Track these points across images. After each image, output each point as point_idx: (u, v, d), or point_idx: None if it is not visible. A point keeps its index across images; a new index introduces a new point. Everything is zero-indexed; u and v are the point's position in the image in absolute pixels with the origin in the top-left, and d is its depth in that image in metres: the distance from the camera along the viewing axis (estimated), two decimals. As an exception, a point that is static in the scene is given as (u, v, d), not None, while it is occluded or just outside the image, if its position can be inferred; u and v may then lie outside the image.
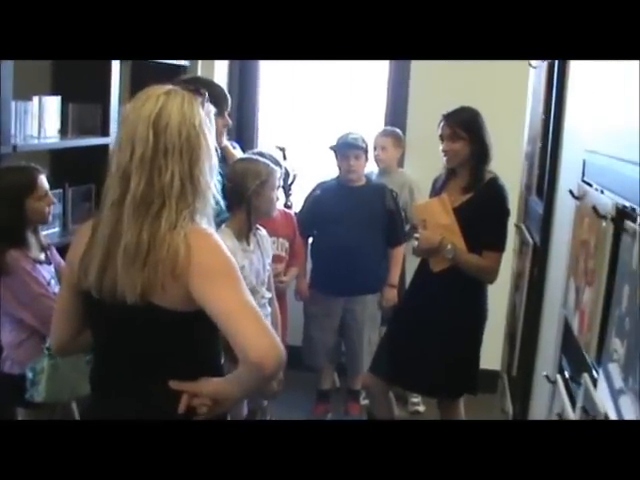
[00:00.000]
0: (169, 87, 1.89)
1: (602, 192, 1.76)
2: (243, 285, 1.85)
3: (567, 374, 1.99)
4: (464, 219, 3.32)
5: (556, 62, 2.62)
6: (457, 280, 3.34)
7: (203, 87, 2.01)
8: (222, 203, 1.99)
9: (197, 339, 1.92)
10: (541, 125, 2.86)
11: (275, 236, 3.80)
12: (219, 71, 4.93)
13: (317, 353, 4.27)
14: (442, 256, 3.34)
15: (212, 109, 1.98)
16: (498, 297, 3.69)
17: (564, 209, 2.46)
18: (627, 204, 1.53)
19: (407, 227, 4.35)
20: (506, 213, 3.35)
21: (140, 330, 1.90)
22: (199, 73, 4.73)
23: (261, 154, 3.71)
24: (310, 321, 4.30)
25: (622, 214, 1.53)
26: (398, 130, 4.65)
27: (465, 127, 3.30)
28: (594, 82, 2.17)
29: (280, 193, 3.60)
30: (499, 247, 3.34)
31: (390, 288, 4.21)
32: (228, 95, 3.13)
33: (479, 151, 3.31)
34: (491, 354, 3.82)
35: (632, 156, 1.55)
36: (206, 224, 1.91)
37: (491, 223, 3.30)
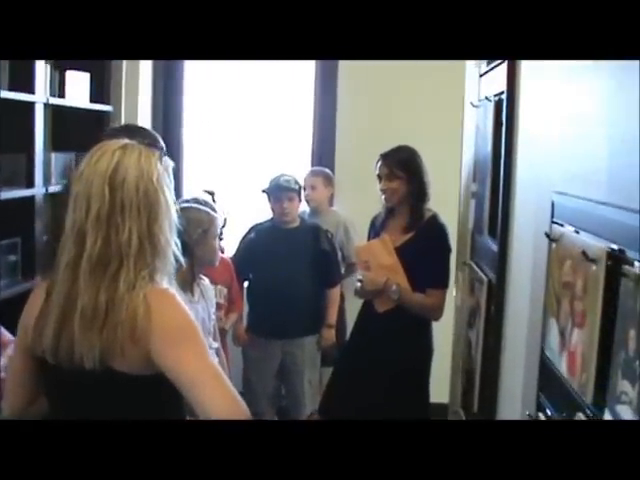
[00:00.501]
0: (125, 142, 1.82)
1: (578, 233, 1.81)
2: (204, 347, 1.79)
3: (549, 412, 2.01)
4: (407, 258, 3.36)
5: (504, 102, 2.68)
6: (402, 319, 3.36)
7: (136, 134, 1.96)
8: (182, 260, 1.92)
9: (159, 403, 1.84)
10: (491, 166, 2.91)
11: (213, 283, 3.73)
12: (142, 114, 4.84)
13: (257, 398, 4.19)
14: (387, 296, 3.36)
15: (170, 163, 1.93)
16: (442, 331, 3.72)
17: (522, 248, 2.51)
18: (615, 247, 1.57)
19: (344, 266, 4.36)
20: (448, 250, 3.42)
21: (99, 396, 1.81)
22: (122, 116, 4.64)
23: (196, 200, 3.64)
24: (249, 365, 4.24)
25: (614, 257, 1.56)
26: (327, 170, 4.67)
27: (402, 166, 3.36)
28: (548, 124, 2.23)
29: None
30: (443, 284, 3.39)
31: (328, 328, 4.20)
32: (162, 143, 3.07)
33: (417, 190, 3.37)
34: (437, 387, 3.84)
35: (609, 199, 1.60)
36: (167, 283, 1.83)
37: (434, 261, 3.36)
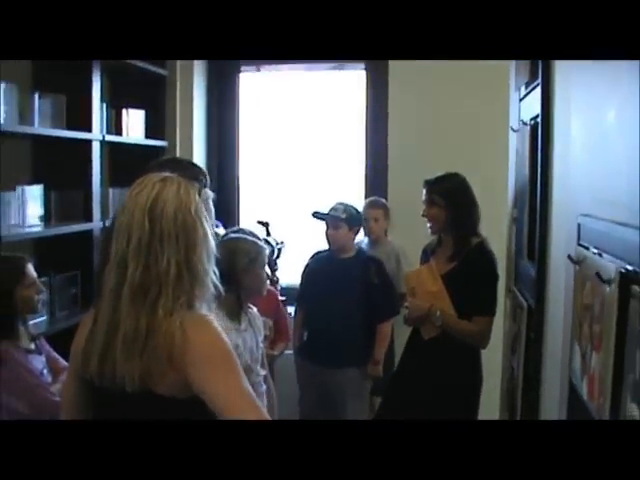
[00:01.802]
0: (165, 175, 1.89)
1: (601, 255, 1.78)
2: (240, 372, 1.83)
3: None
4: (452, 285, 3.33)
5: (539, 126, 2.66)
6: (449, 346, 3.33)
7: (179, 167, 2.01)
8: (221, 289, 1.96)
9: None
10: (528, 190, 2.89)
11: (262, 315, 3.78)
12: (198, 148, 4.96)
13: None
14: (432, 323, 3.34)
15: (210, 194, 1.98)
16: (492, 359, 3.68)
17: (557, 272, 2.48)
18: (630, 267, 1.54)
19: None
20: (494, 278, 3.36)
21: (139, 417, 1.84)
22: (177, 151, 4.77)
23: (243, 231, 3.71)
24: (301, 389, 4.25)
25: (627, 278, 1.54)
26: (384, 200, 4.68)
27: (441, 194, 3.35)
28: (578, 147, 2.21)
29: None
30: (489, 312, 3.34)
31: (374, 365, 4.12)
32: (207, 175, 3.15)
33: (458, 217, 3.35)
34: (490, 414, 3.79)
35: (630, 218, 1.57)
36: (206, 310, 1.88)
37: (479, 288, 3.31)
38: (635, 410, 1.41)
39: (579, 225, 2.03)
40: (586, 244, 1.94)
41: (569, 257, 1.98)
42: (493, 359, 3.81)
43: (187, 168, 2.87)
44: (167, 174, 1.90)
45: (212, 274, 1.89)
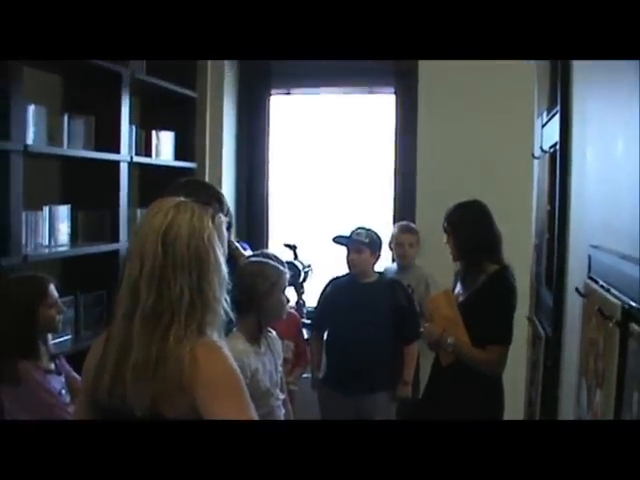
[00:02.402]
0: (179, 200, 1.89)
1: (608, 290, 1.74)
2: (247, 399, 1.82)
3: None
4: (467, 313, 3.30)
5: (558, 153, 2.62)
6: (467, 373, 3.29)
7: (198, 191, 2.01)
8: (232, 315, 1.96)
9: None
10: (547, 217, 2.85)
11: (281, 339, 3.76)
12: (227, 170, 4.99)
13: (335, 452, 4.15)
14: (444, 349, 3.33)
15: (224, 219, 1.99)
16: (515, 386, 3.61)
17: (573, 303, 2.43)
18: (633, 304, 1.50)
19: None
20: (510, 307, 3.29)
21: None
22: (207, 174, 4.80)
23: (265, 255, 3.72)
24: (326, 417, 4.21)
25: (628, 315, 1.50)
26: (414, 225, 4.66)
27: (449, 222, 3.38)
28: (597, 174, 2.17)
29: (291, 292, 3.58)
30: (503, 341, 3.28)
31: (404, 385, 4.10)
32: (224, 198, 3.16)
33: (464, 246, 3.33)
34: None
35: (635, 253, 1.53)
36: (216, 337, 1.89)
37: (494, 317, 3.25)
38: (630, 452, 1.37)
39: (589, 257, 1.98)
40: (595, 277, 1.90)
41: (577, 290, 1.94)
42: (519, 388, 3.74)
43: (204, 191, 2.90)
44: (182, 199, 1.90)
45: (223, 301, 1.90)
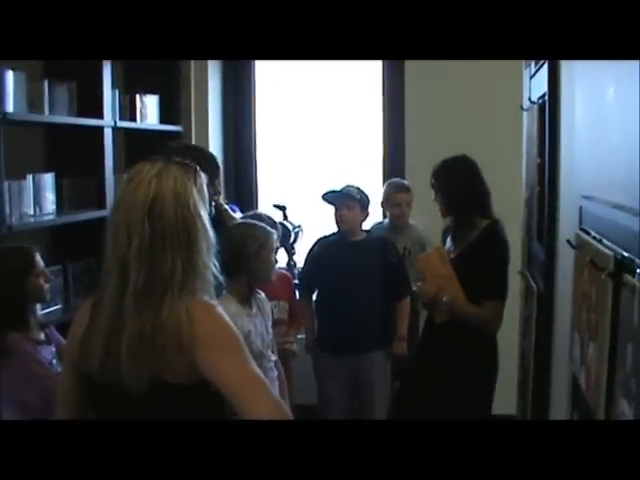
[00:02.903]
0: (159, 167, 1.83)
1: (600, 241, 1.71)
2: (247, 354, 1.81)
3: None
4: (462, 269, 3.28)
5: (547, 104, 2.57)
6: (461, 330, 3.28)
7: (194, 155, 1.97)
8: (221, 279, 1.94)
9: (203, 409, 1.86)
10: (537, 170, 2.81)
11: (275, 299, 3.74)
12: (214, 134, 4.93)
13: (332, 412, 4.15)
14: (440, 307, 3.30)
15: (204, 179, 1.94)
16: (510, 342, 3.61)
17: (565, 256, 2.40)
18: (625, 254, 1.47)
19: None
20: (503, 261, 3.28)
21: (147, 407, 1.82)
22: (193, 137, 4.74)
23: (258, 216, 3.68)
24: (321, 381, 4.19)
25: (621, 266, 1.46)
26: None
27: (437, 178, 3.34)
28: (587, 124, 2.13)
29: (282, 253, 3.55)
30: (498, 296, 3.26)
31: (399, 341, 4.08)
32: (219, 163, 3.11)
33: (454, 201, 3.30)
34: (506, 399, 3.73)
35: (631, 202, 1.49)
36: (207, 298, 1.87)
37: (489, 272, 3.24)
38: (625, 407, 1.35)
39: (581, 208, 1.95)
40: (587, 228, 1.87)
41: (568, 242, 1.90)
42: (513, 343, 3.73)
43: (200, 155, 2.87)
44: (161, 165, 1.83)
45: (212, 267, 1.88)
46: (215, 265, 1.90)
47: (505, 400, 3.62)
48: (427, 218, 4.17)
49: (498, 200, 3.33)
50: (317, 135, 5.21)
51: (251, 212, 3.96)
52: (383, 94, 4.93)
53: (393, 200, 4.38)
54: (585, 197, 1.91)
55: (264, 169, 5.28)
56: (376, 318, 4.02)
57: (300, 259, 4.66)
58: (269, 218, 3.80)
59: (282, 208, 4.63)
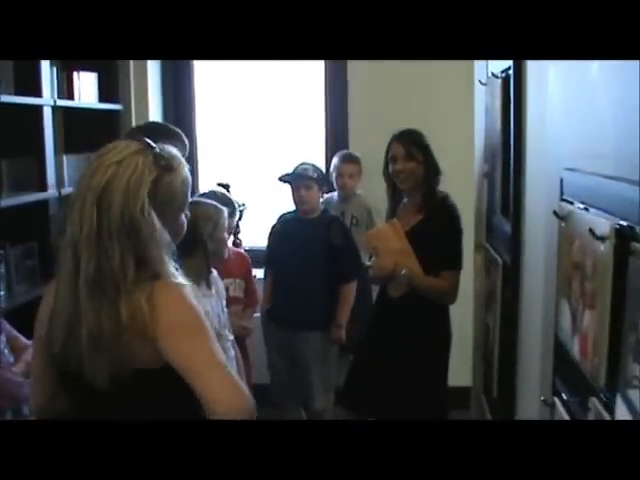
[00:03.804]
0: (127, 152, 1.77)
1: (587, 210, 1.74)
2: (211, 338, 1.78)
3: (564, 396, 1.94)
4: (417, 241, 3.30)
5: (511, 78, 2.60)
6: (417, 304, 3.31)
7: (160, 134, 1.91)
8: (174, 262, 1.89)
9: (174, 394, 1.82)
10: (501, 145, 2.83)
11: (231, 277, 3.71)
12: (153, 112, 4.82)
13: (279, 387, 4.15)
14: (398, 282, 3.31)
15: (175, 178, 1.85)
16: (463, 313, 3.67)
17: (535, 228, 2.44)
18: (624, 223, 1.49)
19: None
20: (459, 232, 3.34)
21: (115, 392, 1.78)
22: (133, 115, 4.62)
23: (213, 193, 3.65)
24: (269, 353, 4.20)
25: (623, 234, 1.49)
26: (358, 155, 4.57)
27: (418, 146, 3.31)
28: (557, 99, 2.16)
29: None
30: (455, 266, 3.32)
31: (336, 328, 4.03)
32: (186, 140, 3.05)
33: (432, 170, 3.31)
34: (461, 371, 3.80)
35: (623, 173, 1.52)
36: (172, 272, 1.80)
37: (446, 243, 3.29)
38: (637, 371, 1.38)
39: (561, 180, 1.97)
40: (570, 199, 1.89)
41: (555, 213, 1.93)
42: (464, 315, 3.80)
43: (167, 134, 2.80)
44: (125, 154, 1.76)
45: (168, 253, 1.81)
46: (173, 252, 1.85)
47: (458, 372, 3.69)
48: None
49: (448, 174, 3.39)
50: (259, 113, 5.15)
51: (208, 190, 3.90)
52: (326, 67, 4.90)
53: (339, 170, 4.47)
54: (568, 169, 1.93)
55: (205, 149, 5.20)
56: (316, 298, 4.01)
57: (245, 238, 4.63)
58: (224, 195, 3.77)
59: (226, 186, 4.55)
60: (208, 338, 1.77)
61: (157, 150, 1.81)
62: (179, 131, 3.02)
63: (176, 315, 1.76)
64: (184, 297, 1.78)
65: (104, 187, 1.72)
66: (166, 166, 1.80)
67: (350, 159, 4.50)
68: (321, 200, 4.16)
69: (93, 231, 1.71)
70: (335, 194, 4.58)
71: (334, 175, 4.50)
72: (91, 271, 1.72)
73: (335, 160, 4.54)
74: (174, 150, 1.88)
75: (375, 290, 3.74)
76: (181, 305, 1.77)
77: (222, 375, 1.74)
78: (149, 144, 1.82)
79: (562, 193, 1.97)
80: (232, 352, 3.21)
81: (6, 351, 2.89)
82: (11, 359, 2.92)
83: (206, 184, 4.94)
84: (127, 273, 1.72)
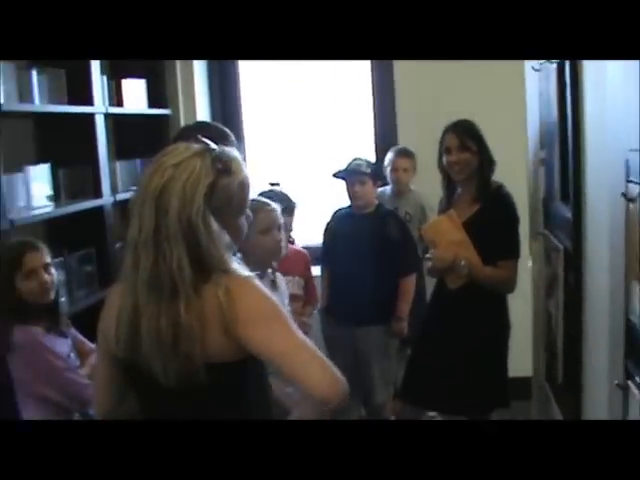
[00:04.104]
0: (186, 154, 1.79)
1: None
2: (291, 322, 1.81)
3: (638, 379, 1.92)
4: (475, 232, 3.30)
5: (567, 63, 2.57)
6: (476, 294, 3.31)
7: (212, 134, 1.93)
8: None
9: (245, 386, 1.86)
10: (558, 130, 2.80)
11: (290, 275, 3.73)
12: (201, 115, 4.87)
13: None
14: (457, 273, 3.30)
15: (232, 181, 1.86)
16: (519, 302, 3.63)
17: (598, 212, 2.41)
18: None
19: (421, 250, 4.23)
20: (516, 220, 3.35)
21: (189, 390, 1.80)
22: (181, 120, 4.68)
23: (272, 192, 3.75)
24: (328, 350, 4.19)
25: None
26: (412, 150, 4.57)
27: (472, 136, 3.31)
28: (618, 83, 2.13)
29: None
30: (514, 255, 3.33)
31: (397, 321, 4.07)
32: (235, 141, 3.07)
33: (486, 160, 3.31)
34: (520, 361, 3.76)
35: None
36: (237, 266, 1.83)
37: (503, 232, 3.30)
38: None
39: (627, 161, 1.95)
40: (637, 180, 1.86)
41: (623, 194, 1.90)
42: (521, 303, 3.76)
43: (217, 134, 2.83)
44: (183, 157, 1.78)
45: (228, 251, 1.84)
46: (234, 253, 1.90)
47: (517, 362, 3.66)
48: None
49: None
50: (306, 114, 5.17)
51: (267, 190, 3.95)
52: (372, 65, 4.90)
53: (393, 164, 4.46)
54: (633, 150, 1.91)
55: (253, 150, 5.21)
56: (376, 293, 4.01)
57: (298, 236, 4.64)
58: (282, 194, 3.82)
59: (276, 185, 4.60)
60: (289, 322, 1.79)
61: (216, 153, 1.82)
62: (228, 131, 3.04)
63: (254, 305, 1.77)
64: (257, 287, 1.80)
65: (161, 190, 1.74)
66: (223, 169, 1.80)
67: (405, 153, 4.49)
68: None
69: (151, 233, 1.74)
70: (388, 189, 4.57)
71: (388, 169, 4.49)
72: (149, 272, 1.75)
73: (390, 154, 4.53)
74: (234, 152, 1.89)
75: (430, 283, 3.73)
76: (256, 295, 1.79)
77: (314, 357, 1.76)
78: (210, 147, 1.84)
79: (628, 175, 1.95)
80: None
81: (72, 355, 2.93)
82: (77, 362, 2.96)
83: (256, 184, 4.97)
84: (184, 274, 1.74)
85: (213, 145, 1.85)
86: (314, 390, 1.73)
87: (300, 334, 1.78)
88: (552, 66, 2.82)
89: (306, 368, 1.73)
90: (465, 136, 3.29)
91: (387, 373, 4.05)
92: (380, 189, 4.44)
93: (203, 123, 3.78)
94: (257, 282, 1.82)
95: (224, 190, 1.81)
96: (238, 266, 1.83)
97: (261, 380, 1.89)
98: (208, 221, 1.76)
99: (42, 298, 2.88)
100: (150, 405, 1.93)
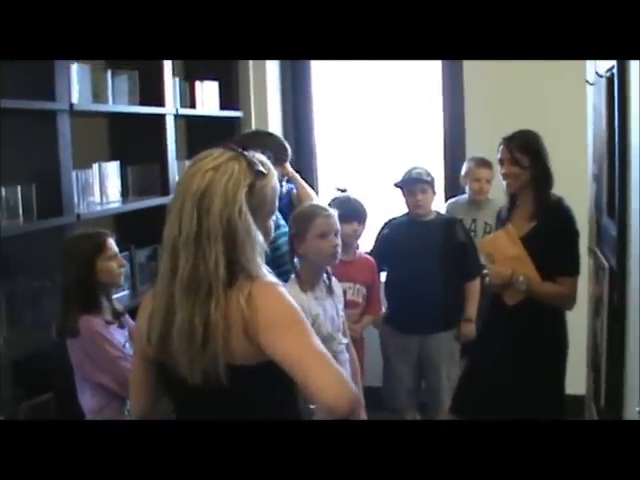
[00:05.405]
0: (222, 158, 1.84)
1: None
2: (309, 330, 1.83)
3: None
4: (533, 247, 3.23)
5: (615, 77, 2.52)
6: (534, 311, 3.24)
7: (260, 141, 1.97)
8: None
9: (269, 390, 1.90)
10: (606, 145, 2.75)
11: (352, 282, 3.75)
12: (273, 118, 4.94)
13: (397, 393, 4.16)
14: (515, 289, 3.25)
15: (269, 182, 1.92)
16: (576, 319, 3.56)
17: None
18: None
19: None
20: (576, 235, 3.25)
21: (216, 390, 1.85)
22: (253, 122, 4.76)
23: (347, 198, 3.90)
24: (388, 359, 4.20)
25: None
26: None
27: (525, 150, 3.23)
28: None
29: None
30: (573, 271, 3.24)
31: (467, 323, 4.06)
32: (287, 145, 3.14)
33: (541, 175, 3.24)
34: (575, 379, 3.68)
35: None
36: (265, 272, 1.88)
37: (562, 248, 3.21)
38: None
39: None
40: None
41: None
42: (579, 321, 3.68)
43: (268, 140, 2.90)
44: (222, 160, 1.84)
45: (263, 261, 1.89)
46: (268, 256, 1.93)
47: (573, 380, 3.58)
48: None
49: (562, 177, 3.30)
50: (376, 118, 5.18)
51: (341, 195, 4.00)
52: (443, 72, 4.87)
53: (474, 174, 4.38)
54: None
55: (324, 153, 5.28)
56: (444, 298, 4.00)
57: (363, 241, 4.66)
58: (356, 201, 3.90)
59: (343, 191, 4.63)
60: (306, 330, 1.82)
61: (249, 157, 1.89)
62: (276, 135, 3.09)
63: (273, 310, 1.82)
64: (281, 295, 1.85)
65: (203, 192, 1.80)
66: (259, 171, 1.87)
67: (486, 164, 4.36)
68: (445, 205, 4.15)
69: (192, 233, 1.80)
70: (461, 198, 4.52)
71: (467, 180, 4.42)
72: (187, 272, 1.80)
73: (470, 164, 4.44)
74: (263, 157, 1.95)
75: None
76: (279, 302, 1.84)
77: (324, 364, 1.77)
78: (241, 152, 1.90)
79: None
80: (345, 356, 3.23)
81: (127, 345, 3.04)
82: (131, 352, 3.07)
83: (325, 188, 5.02)
84: (219, 274, 1.80)
85: (244, 151, 1.92)
86: (322, 397, 1.74)
87: (317, 342, 1.81)
88: (602, 80, 2.77)
89: (316, 374, 1.75)
90: (516, 150, 3.23)
91: (452, 380, 4.03)
92: (451, 200, 4.42)
93: (264, 132, 3.86)
94: (280, 289, 1.87)
95: (260, 192, 1.88)
96: (264, 272, 1.88)
97: (285, 387, 1.90)
98: (247, 220, 1.83)
99: (117, 281, 3.09)
100: (181, 405, 2.01)
